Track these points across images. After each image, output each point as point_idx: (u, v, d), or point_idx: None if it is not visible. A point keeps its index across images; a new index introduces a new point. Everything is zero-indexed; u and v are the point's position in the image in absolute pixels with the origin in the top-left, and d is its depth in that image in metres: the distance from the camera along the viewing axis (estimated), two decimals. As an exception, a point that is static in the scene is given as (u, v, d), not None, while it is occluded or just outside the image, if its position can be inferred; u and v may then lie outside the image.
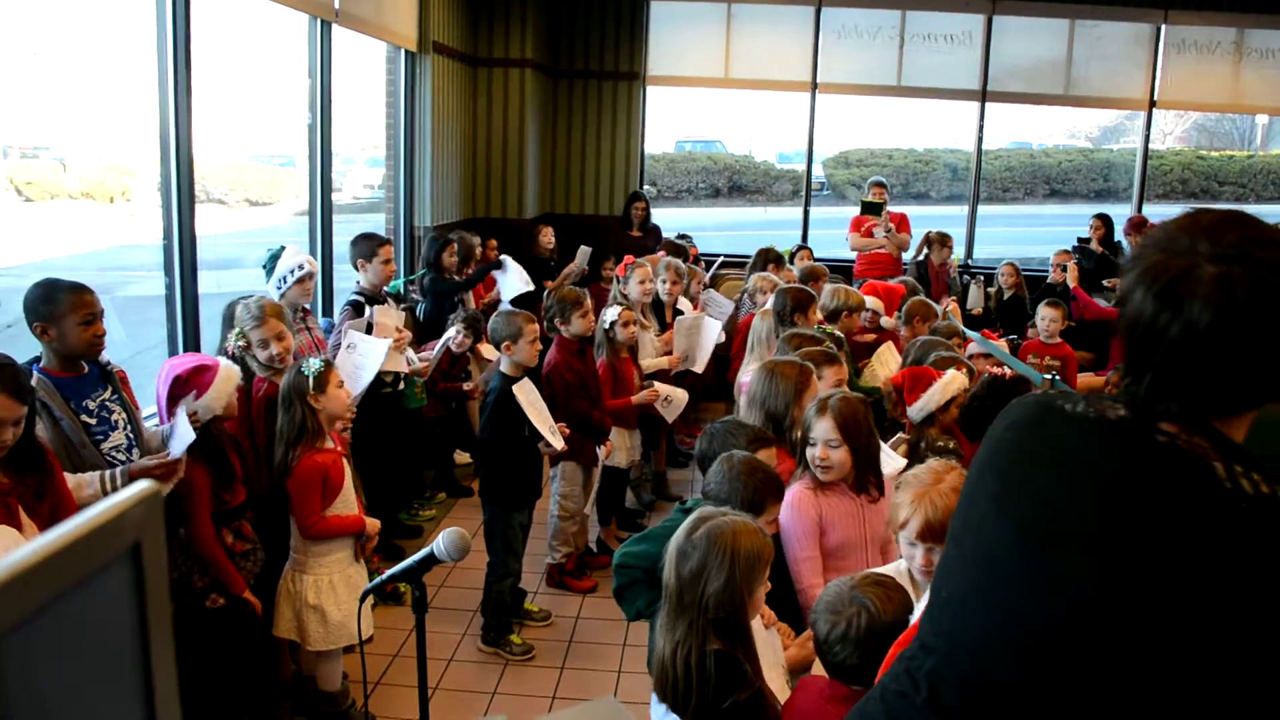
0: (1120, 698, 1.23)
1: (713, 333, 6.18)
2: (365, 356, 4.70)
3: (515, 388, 4.46)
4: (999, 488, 1.47)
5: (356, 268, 5.42)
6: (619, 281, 6.20)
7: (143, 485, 0.74)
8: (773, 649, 2.74)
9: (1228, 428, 1.31)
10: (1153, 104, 10.41)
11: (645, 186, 10.59)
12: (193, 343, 4.84)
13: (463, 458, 6.88)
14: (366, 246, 5.37)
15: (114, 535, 0.70)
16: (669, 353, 6.17)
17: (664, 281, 6.47)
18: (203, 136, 4.92)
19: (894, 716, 1.49)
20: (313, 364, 3.79)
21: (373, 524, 3.92)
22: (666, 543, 2.49)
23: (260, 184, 8.27)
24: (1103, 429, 1.36)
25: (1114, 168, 16.14)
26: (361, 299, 5.25)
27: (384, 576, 2.40)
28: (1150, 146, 10.89)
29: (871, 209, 8.81)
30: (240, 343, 4.07)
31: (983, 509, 1.47)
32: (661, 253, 7.46)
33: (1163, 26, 10.14)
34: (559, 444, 4.61)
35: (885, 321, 6.08)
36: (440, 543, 2.34)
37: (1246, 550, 1.18)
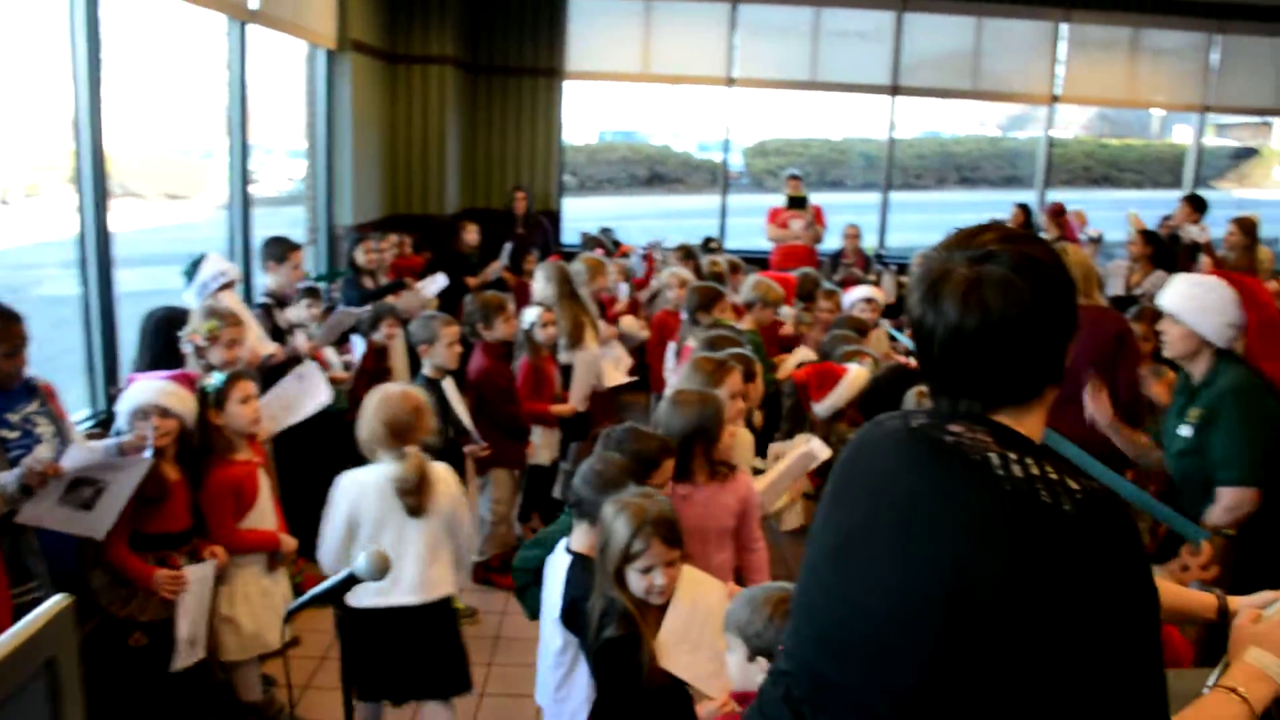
0: (929, 687, 1.36)
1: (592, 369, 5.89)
2: (309, 394, 4.63)
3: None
4: (829, 497, 1.64)
5: (265, 269, 5.39)
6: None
7: (55, 601, 0.77)
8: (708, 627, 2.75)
9: (1018, 421, 1.45)
10: (1055, 98, 10.79)
11: (565, 176, 10.66)
12: (110, 345, 4.80)
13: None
14: (278, 249, 5.32)
15: (29, 656, 0.73)
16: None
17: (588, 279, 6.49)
18: (117, 131, 4.86)
19: (764, 710, 1.65)
20: (215, 378, 3.78)
21: (288, 542, 3.91)
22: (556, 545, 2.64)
23: (179, 178, 8.16)
24: (903, 437, 1.52)
25: (1021, 156, 16.59)
26: (270, 301, 5.25)
27: (304, 599, 2.43)
28: (1056, 134, 11.30)
29: (797, 203, 9.02)
30: (205, 342, 4.06)
31: (820, 521, 1.65)
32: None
33: (1064, 25, 10.51)
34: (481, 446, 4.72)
35: (784, 312, 6.14)
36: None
37: (1013, 529, 1.32)
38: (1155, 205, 9.55)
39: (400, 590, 3.33)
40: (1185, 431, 3.43)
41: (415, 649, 3.41)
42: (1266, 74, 11.17)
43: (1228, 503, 3.27)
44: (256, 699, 3.95)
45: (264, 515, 3.87)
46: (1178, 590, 1.86)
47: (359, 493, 3.35)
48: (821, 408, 4.32)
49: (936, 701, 1.36)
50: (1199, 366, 3.44)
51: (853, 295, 6.09)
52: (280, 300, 5.26)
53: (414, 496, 3.36)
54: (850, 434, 4.20)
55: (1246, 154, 16.60)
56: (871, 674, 1.43)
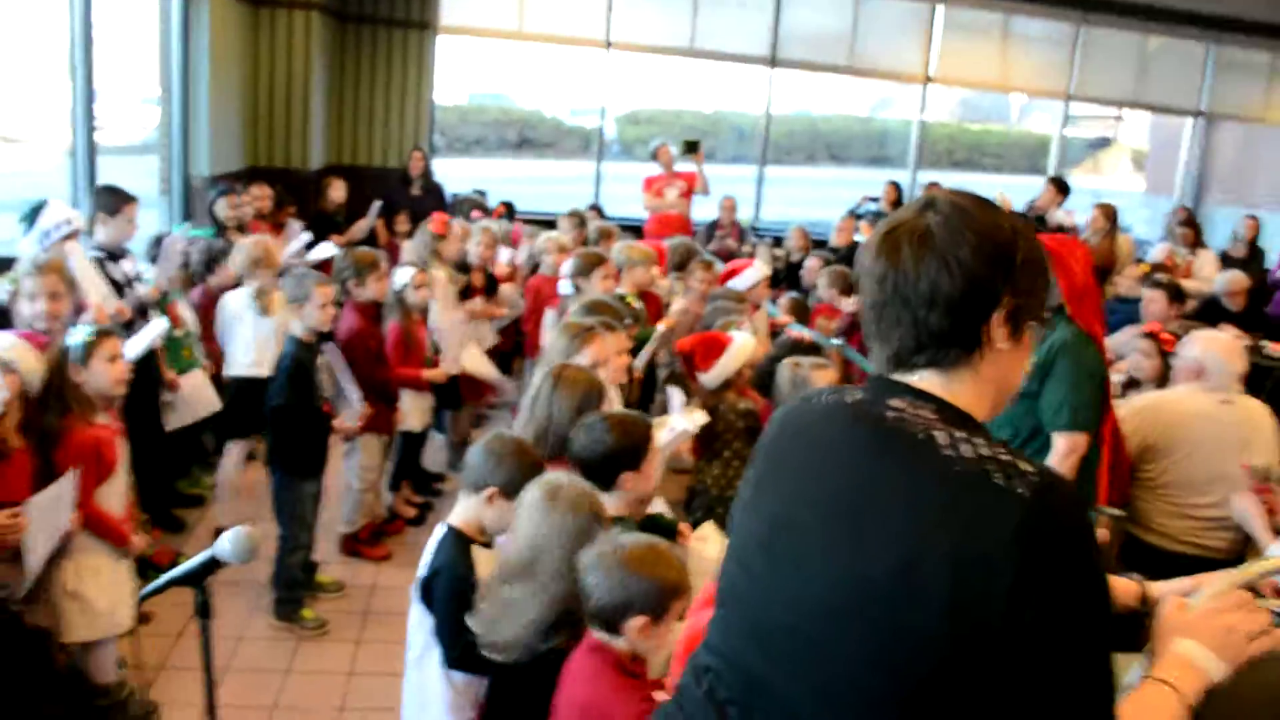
0: (870, 688, 1.27)
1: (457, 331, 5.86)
2: (146, 331, 4.38)
3: (325, 357, 4.32)
4: (753, 485, 1.54)
5: (94, 221, 4.87)
6: (435, 239, 5.98)
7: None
8: None
9: (949, 390, 1.38)
10: (929, 79, 11.00)
11: (435, 136, 10.35)
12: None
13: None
14: (110, 201, 4.83)
15: None
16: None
17: (477, 244, 6.31)
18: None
19: (684, 708, 1.54)
20: (81, 332, 3.49)
21: (137, 544, 3.58)
22: None
23: (17, 121, 7.54)
24: (839, 415, 1.43)
25: (890, 136, 16.96)
26: (102, 255, 4.78)
27: (161, 581, 2.23)
28: (925, 117, 11.52)
29: (690, 148, 9.00)
30: (9, 289, 3.71)
31: (744, 507, 1.54)
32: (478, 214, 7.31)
33: (939, 7, 10.70)
34: (356, 406, 4.51)
35: (661, 285, 6.09)
36: (225, 544, 2.19)
37: (964, 514, 1.24)
38: (1017, 190, 9.81)
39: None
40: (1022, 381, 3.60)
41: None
42: (1125, 67, 11.64)
43: (1063, 448, 3.47)
44: (109, 680, 3.63)
45: (119, 485, 3.56)
46: None
47: None
48: (709, 377, 4.23)
49: (877, 703, 1.26)
50: None
51: (749, 276, 6.00)
52: (113, 254, 4.83)
53: None
54: (740, 404, 4.17)
55: (1101, 144, 17.34)
56: (807, 674, 1.33)
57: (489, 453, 2.79)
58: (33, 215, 4.34)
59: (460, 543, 2.77)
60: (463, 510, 2.83)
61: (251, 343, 5.08)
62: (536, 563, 2.41)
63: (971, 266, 1.33)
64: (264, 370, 4.78)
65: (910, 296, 1.35)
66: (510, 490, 2.68)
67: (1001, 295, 1.36)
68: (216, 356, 5.39)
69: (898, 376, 1.40)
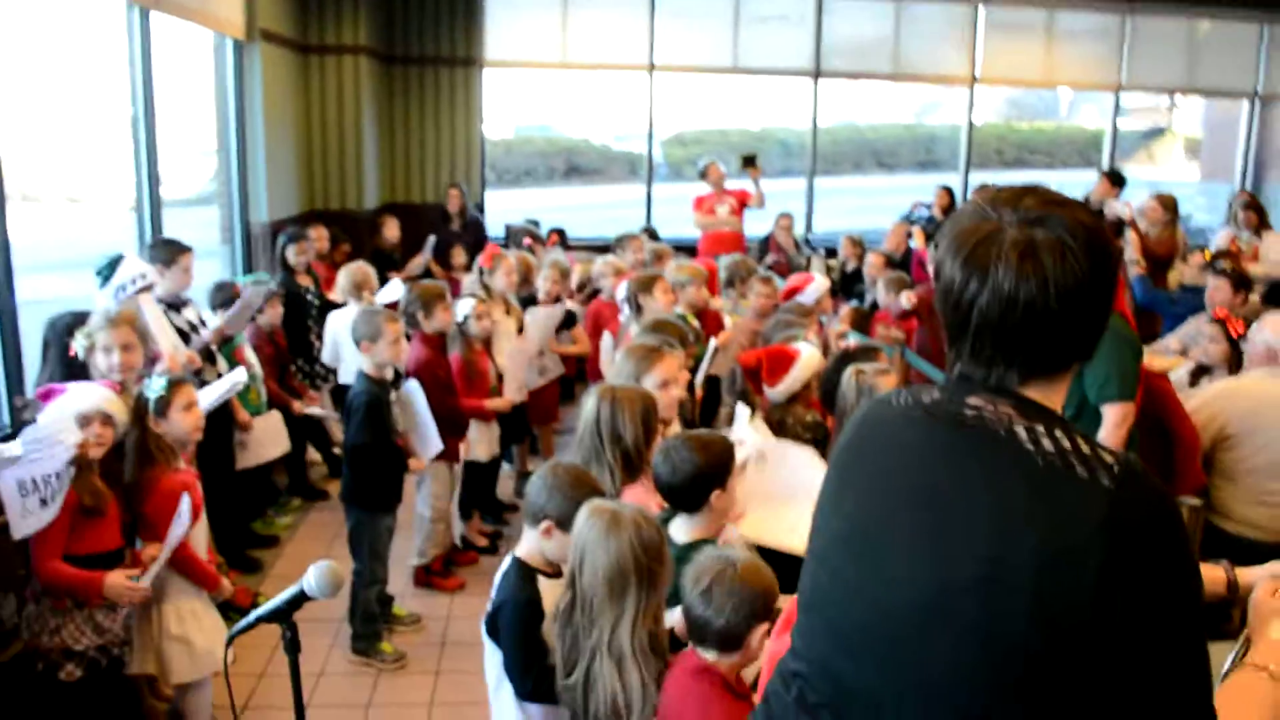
0: (964, 685, 1.25)
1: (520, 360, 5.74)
2: (224, 381, 4.51)
3: (404, 394, 4.41)
4: (834, 487, 1.52)
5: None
6: (484, 273, 6.06)
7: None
8: None
9: (1043, 393, 1.34)
10: (975, 80, 10.90)
11: (486, 170, 10.48)
12: (13, 357, 4.53)
13: (314, 456, 6.70)
14: (165, 252, 4.98)
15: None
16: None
17: (545, 278, 6.29)
18: (12, 132, 4.58)
19: (773, 715, 1.53)
20: (155, 384, 3.57)
21: (227, 588, 3.70)
22: None
23: (81, 180, 7.77)
24: (918, 416, 1.40)
25: (938, 141, 16.80)
26: (163, 305, 4.92)
27: (250, 618, 2.25)
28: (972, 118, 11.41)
29: (749, 162, 9.09)
30: (86, 343, 3.82)
31: (824, 510, 1.52)
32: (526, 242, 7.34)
33: (980, 7, 10.62)
34: (433, 451, 4.59)
35: (717, 302, 6.07)
36: (310, 579, 2.21)
37: (1050, 508, 1.22)
38: (1071, 187, 9.64)
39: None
40: None
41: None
42: (1176, 54, 11.44)
43: (1114, 418, 3.61)
44: (206, 720, 3.71)
45: (201, 530, 3.67)
46: None
47: None
48: (777, 392, 4.20)
49: (970, 702, 1.24)
50: None
51: (813, 291, 5.97)
52: (174, 304, 4.96)
53: None
54: (807, 416, 4.14)
55: (1154, 134, 17.02)
56: (896, 674, 1.31)
57: (544, 484, 2.76)
58: (109, 270, 4.44)
59: (525, 574, 2.75)
60: (526, 542, 2.82)
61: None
62: (616, 590, 2.36)
63: (1090, 296, 1.29)
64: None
65: (1015, 315, 1.28)
66: (565, 522, 2.62)
67: (1109, 313, 1.34)
68: (275, 394, 5.62)
69: (994, 376, 1.36)
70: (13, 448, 3.06)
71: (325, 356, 6.12)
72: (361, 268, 6.13)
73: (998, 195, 1.35)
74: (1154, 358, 4.80)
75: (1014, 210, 1.31)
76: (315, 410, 6.05)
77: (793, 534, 2.89)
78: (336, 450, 6.40)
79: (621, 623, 2.35)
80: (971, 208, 1.37)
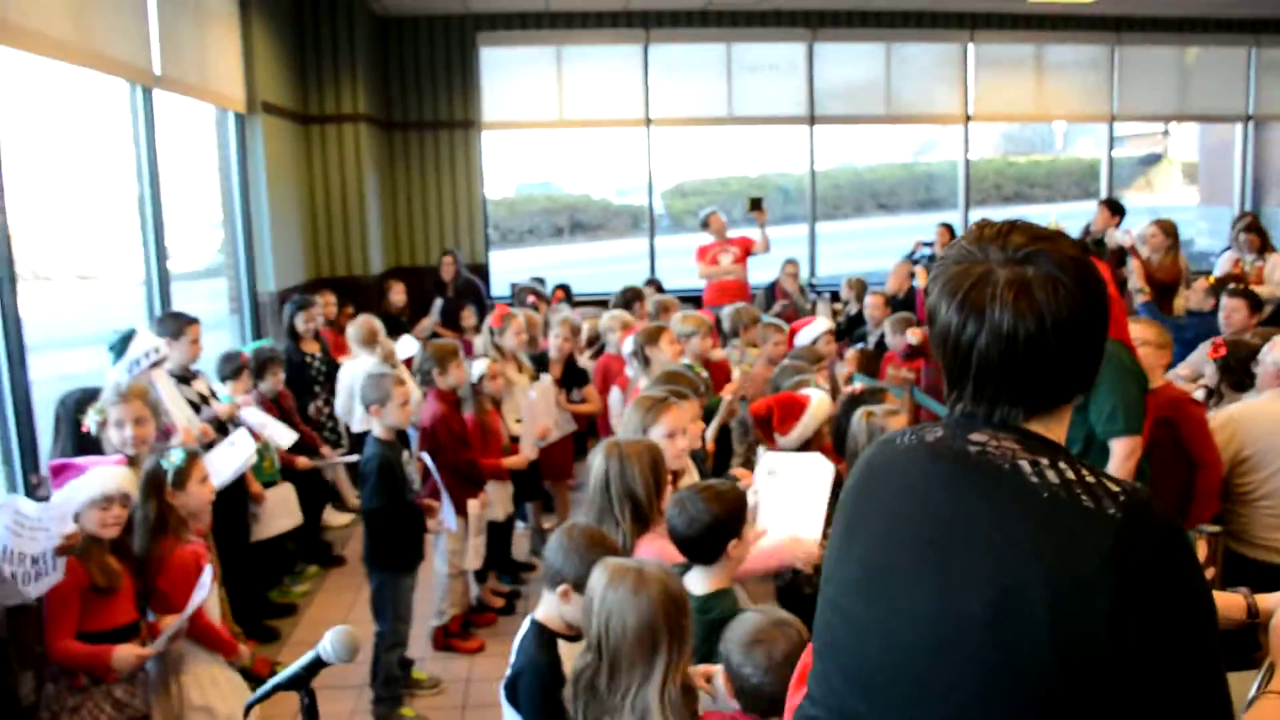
0: (980, 714, 1.25)
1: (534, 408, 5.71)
2: (236, 453, 4.50)
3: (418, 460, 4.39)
4: (843, 531, 1.51)
5: None
6: (494, 333, 6.09)
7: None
8: None
9: (1045, 426, 1.35)
10: (969, 118, 10.99)
11: (489, 230, 10.56)
12: (27, 434, 4.55)
13: (339, 519, 6.71)
14: (172, 325, 5.05)
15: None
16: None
17: (556, 336, 6.31)
18: (23, 212, 4.64)
19: None
20: (174, 456, 3.59)
21: (244, 655, 3.71)
22: None
23: (91, 257, 7.85)
24: (922, 454, 1.40)
25: (935, 179, 16.91)
26: (172, 379, 4.97)
27: (268, 686, 2.23)
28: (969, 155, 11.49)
29: (755, 204, 9.14)
30: (99, 418, 3.84)
31: (834, 554, 1.52)
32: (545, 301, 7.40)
33: (969, 45, 10.73)
34: (453, 522, 4.55)
35: (714, 354, 6.06)
36: (327, 644, 2.19)
37: (1057, 539, 1.22)
38: (1071, 218, 9.71)
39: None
40: None
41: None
42: (1167, 81, 11.53)
43: (1121, 452, 3.57)
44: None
45: (213, 599, 3.67)
46: None
47: None
48: (790, 439, 4.18)
49: None
50: None
51: (813, 330, 6.00)
52: (183, 377, 5.01)
53: None
54: (821, 462, 4.13)
55: (1151, 161, 17.11)
56: (913, 714, 1.31)
57: (561, 546, 2.72)
58: (121, 345, 4.48)
59: (544, 638, 2.71)
60: (545, 605, 2.77)
61: None
62: (646, 648, 2.29)
63: (1086, 327, 1.31)
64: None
65: (1015, 353, 1.29)
66: (583, 584, 2.55)
67: (1104, 342, 1.36)
68: (283, 456, 5.66)
69: (998, 414, 1.36)
70: (27, 505, 3.09)
71: (339, 409, 6.30)
72: (368, 321, 6.48)
73: (982, 234, 1.36)
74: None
75: (1002, 249, 1.32)
76: (320, 461, 6.10)
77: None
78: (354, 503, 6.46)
79: (651, 681, 2.28)
80: (957, 251, 1.37)
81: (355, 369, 6.12)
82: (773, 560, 3.13)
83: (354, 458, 5.74)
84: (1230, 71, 11.58)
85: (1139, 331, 4.04)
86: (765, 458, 3.63)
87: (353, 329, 6.45)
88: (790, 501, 3.29)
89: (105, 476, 3.34)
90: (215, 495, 3.85)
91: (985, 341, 1.30)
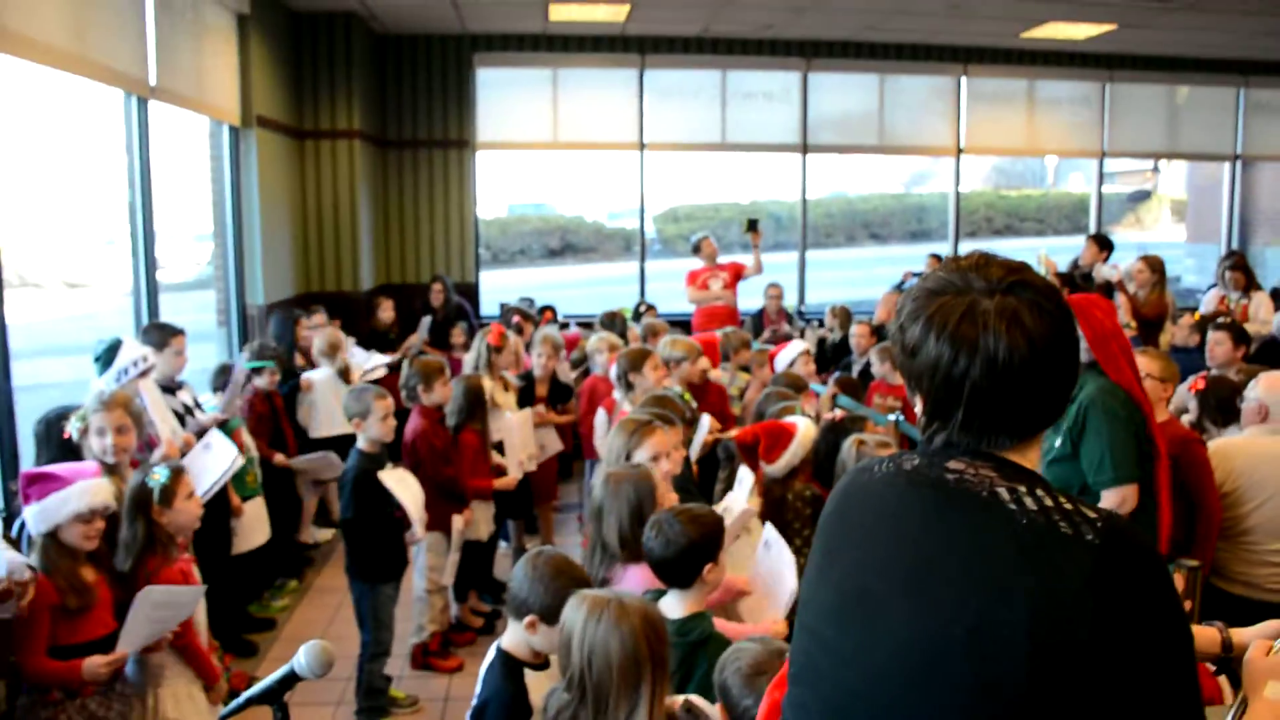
0: None
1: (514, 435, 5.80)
2: (217, 460, 4.46)
3: (385, 475, 4.37)
4: (821, 558, 1.52)
5: None
6: (491, 351, 6.08)
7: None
8: None
9: (1020, 455, 1.36)
10: (960, 150, 11.08)
11: (480, 250, 10.57)
12: (8, 442, 4.52)
13: (323, 535, 6.71)
14: (157, 335, 5.02)
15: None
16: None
17: (539, 354, 6.37)
18: (10, 217, 4.63)
19: None
20: (159, 473, 3.56)
21: (223, 688, 3.68)
22: None
23: (80, 265, 7.83)
24: (900, 482, 1.41)
25: (927, 210, 17.02)
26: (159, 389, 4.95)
27: (240, 700, 2.21)
28: (960, 187, 11.57)
29: (751, 226, 9.17)
30: (80, 425, 3.81)
31: (812, 581, 1.52)
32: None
33: (962, 79, 10.83)
34: (421, 533, 4.53)
35: (712, 375, 6.09)
36: (301, 658, 2.17)
37: (1035, 565, 1.23)
38: (1060, 252, 9.76)
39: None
40: (1057, 440, 3.67)
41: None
42: (1157, 119, 11.64)
43: (1111, 502, 3.51)
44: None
45: (200, 616, 3.64)
46: None
47: None
48: (777, 467, 4.18)
49: None
50: None
51: (790, 351, 6.03)
52: (168, 388, 4.99)
53: None
54: (806, 491, 4.13)
55: (1140, 197, 17.24)
56: None
57: (526, 575, 2.68)
58: (108, 355, 4.45)
59: (510, 668, 2.66)
60: (511, 633, 2.73)
61: (336, 410, 5.78)
62: (630, 680, 2.25)
63: (1068, 349, 1.33)
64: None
65: (1010, 381, 1.30)
66: (549, 615, 2.55)
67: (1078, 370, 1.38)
68: (263, 450, 5.76)
69: (986, 443, 1.37)
70: None
71: (299, 416, 6.38)
72: (333, 331, 6.74)
73: (959, 264, 1.37)
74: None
75: (985, 280, 1.33)
76: (296, 461, 6.10)
77: None
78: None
79: (638, 712, 2.25)
80: (935, 282, 1.38)
81: (314, 378, 6.42)
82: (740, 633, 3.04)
83: (320, 454, 5.82)
84: (1219, 111, 11.70)
85: (1143, 364, 3.93)
86: (766, 529, 3.60)
87: (318, 339, 6.61)
88: (773, 578, 3.30)
89: (87, 490, 3.29)
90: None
91: (979, 372, 1.30)
